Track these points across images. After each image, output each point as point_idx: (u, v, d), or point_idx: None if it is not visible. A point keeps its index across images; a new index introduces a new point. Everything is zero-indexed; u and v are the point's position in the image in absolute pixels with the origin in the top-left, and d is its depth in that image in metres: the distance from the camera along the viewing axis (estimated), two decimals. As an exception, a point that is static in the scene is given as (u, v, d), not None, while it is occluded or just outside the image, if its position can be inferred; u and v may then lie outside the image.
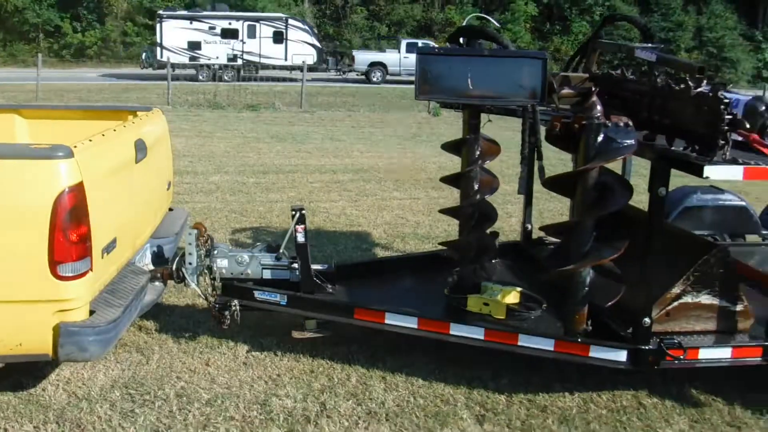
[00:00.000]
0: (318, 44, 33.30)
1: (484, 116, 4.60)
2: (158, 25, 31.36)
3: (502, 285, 4.63)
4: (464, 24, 5.98)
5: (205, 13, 32.85)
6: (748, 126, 3.52)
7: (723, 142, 3.54)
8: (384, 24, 42.67)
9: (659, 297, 4.01)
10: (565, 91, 4.53)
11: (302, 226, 4.48)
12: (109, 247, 3.87)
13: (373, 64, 34.25)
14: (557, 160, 6.50)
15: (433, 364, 4.57)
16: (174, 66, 23.17)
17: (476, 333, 4.15)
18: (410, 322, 4.26)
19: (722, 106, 3.49)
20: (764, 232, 6.13)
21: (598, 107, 3.74)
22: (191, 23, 31.69)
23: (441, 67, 4.08)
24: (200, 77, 30.26)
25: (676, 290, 4.02)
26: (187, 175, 10.29)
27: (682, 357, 3.86)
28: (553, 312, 4.39)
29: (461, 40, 4.48)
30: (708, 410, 4.22)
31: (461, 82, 4.01)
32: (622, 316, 4.06)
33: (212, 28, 31.82)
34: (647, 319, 3.86)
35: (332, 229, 7.83)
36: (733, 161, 3.57)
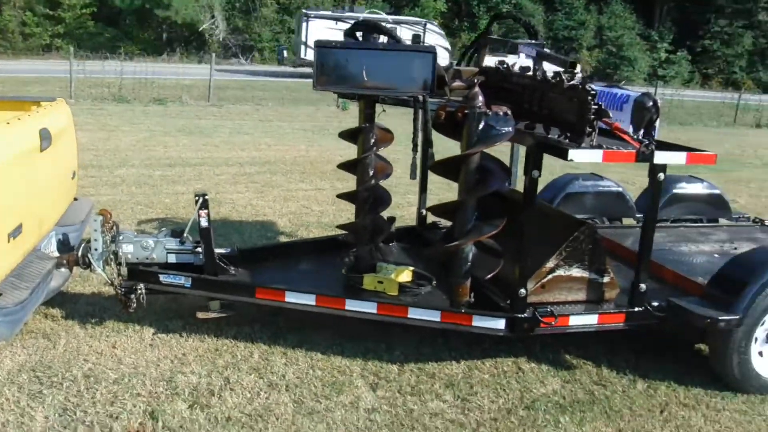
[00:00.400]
0: (449, 47, 33.63)
1: (378, 106, 4.92)
2: (304, 24, 31.15)
3: (396, 265, 4.97)
4: (361, 19, 6.27)
5: (349, 14, 31.84)
6: (611, 115, 3.94)
7: (590, 129, 3.96)
8: (294, 18, 42.53)
9: (535, 270, 4.42)
10: (457, 83, 4.90)
11: (205, 211, 4.68)
12: (15, 233, 4.00)
13: None
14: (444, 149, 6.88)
15: (332, 339, 4.86)
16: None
17: (370, 308, 4.47)
18: (309, 300, 4.54)
19: (589, 98, 3.91)
20: (638, 215, 6.69)
21: (480, 98, 4.10)
22: (336, 23, 30.18)
23: (338, 59, 4.36)
24: None
25: (550, 264, 4.44)
26: (92, 169, 10.22)
27: (553, 323, 4.27)
28: (442, 287, 4.75)
29: (358, 34, 4.77)
30: (579, 372, 4.68)
31: (357, 74, 4.31)
32: (503, 288, 4.45)
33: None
34: (523, 290, 4.26)
35: (238, 219, 8.01)
36: (598, 146, 4.00)
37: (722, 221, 7.01)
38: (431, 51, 4.34)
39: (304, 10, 33.03)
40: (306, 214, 8.36)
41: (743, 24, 47.35)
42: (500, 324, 4.33)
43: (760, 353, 4.60)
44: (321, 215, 8.31)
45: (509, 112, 4.12)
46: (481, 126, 4.07)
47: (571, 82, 4.07)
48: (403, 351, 4.78)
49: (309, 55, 27.42)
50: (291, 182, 10.11)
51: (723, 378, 4.59)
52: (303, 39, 30.90)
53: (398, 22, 32.40)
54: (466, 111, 4.12)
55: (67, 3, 37.83)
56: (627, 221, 6.74)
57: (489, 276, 4.29)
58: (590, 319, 4.45)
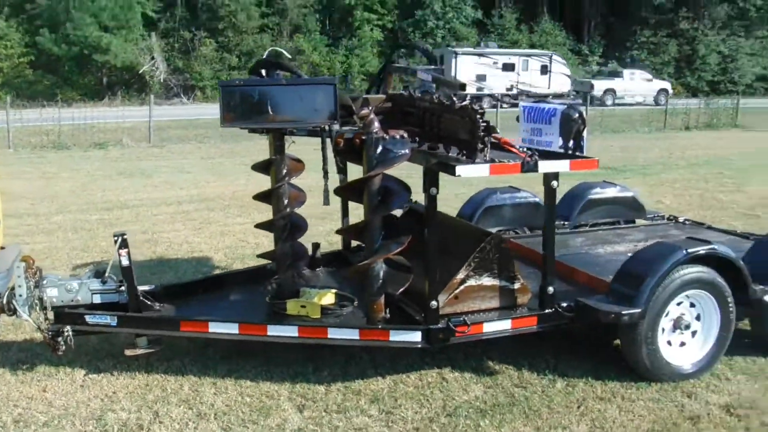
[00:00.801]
0: (569, 73, 39.43)
1: (289, 137, 5.10)
2: (453, 60, 35.48)
3: (318, 289, 5.13)
4: (264, 57, 6.49)
5: (488, 50, 38.15)
6: (498, 131, 4.18)
7: (482, 145, 4.19)
8: (234, 55, 42.77)
9: (447, 283, 4.62)
10: (364, 111, 5.11)
11: (125, 250, 4.79)
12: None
13: None
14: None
15: (261, 366, 4.99)
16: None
17: (291, 331, 4.62)
18: (232, 329, 4.67)
19: (478, 116, 4.14)
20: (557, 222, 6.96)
21: (376, 124, 4.32)
22: (479, 58, 36.90)
23: (242, 97, 4.54)
24: (484, 105, 32.13)
25: (460, 276, 4.64)
26: (28, 217, 10.22)
27: (466, 331, 4.47)
28: (363, 307, 4.91)
29: (262, 71, 4.96)
30: (500, 376, 4.88)
31: (262, 110, 4.49)
32: (418, 302, 4.64)
33: (495, 62, 37.22)
34: (434, 303, 4.46)
35: (174, 257, 8.10)
36: (491, 161, 4.23)
37: (639, 222, 7.33)
38: (332, 83, 4.54)
39: (451, 48, 37.68)
40: (242, 248, 8.47)
41: (667, 33, 49.36)
42: (417, 337, 4.51)
43: (669, 342, 4.86)
44: (257, 248, 8.40)
45: (405, 135, 4.34)
46: (379, 150, 4.27)
47: (463, 103, 4.30)
48: (330, 371, 4.93)
49: None
50: (228, 217, 10.21)
51: (636, 369, 4.82)
52: (453, 73, 34.88)
53: (528, 55, 39.25)
54: (363, 137, 4.32)
55: (4, 52, 37.48)
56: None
57: (399, 291, 4.47)
58: (504, 325, 4.65)
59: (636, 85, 39.75)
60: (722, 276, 4.84)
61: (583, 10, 50.72)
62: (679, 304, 4.81)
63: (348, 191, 4.58)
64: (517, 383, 4.80)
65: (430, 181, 4.27)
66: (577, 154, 4.37)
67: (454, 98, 4.42)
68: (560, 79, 38.65)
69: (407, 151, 4.30)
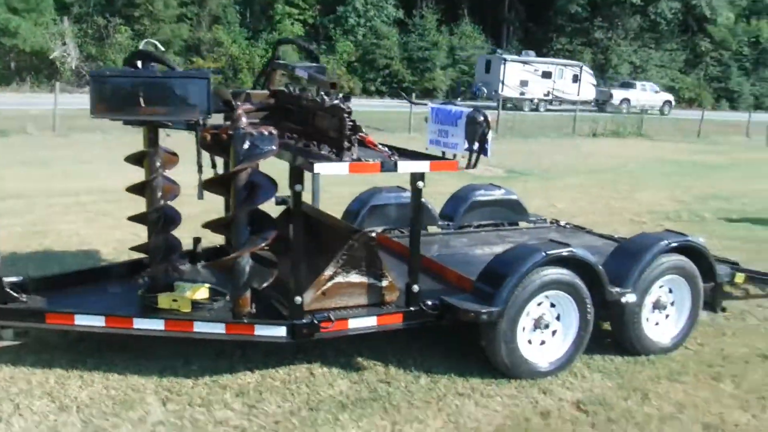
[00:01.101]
0: (595, 82, 43.33)
1: (163, 130, 5.09)
2: (501, 66, 39.43)
3: (192, 283, 5.15)
4: (140, 48, 6.42)
5: (533, 58, 41.42)
6: (364, 130, 4.30)
7: (348, 144, 4.30)
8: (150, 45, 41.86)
9: (315, 279, 4.71)
10: (246, 106, 5.16)
11: (-11, 240, 4.70)
12: None
13: None
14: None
15: (131, 360, 4.97)
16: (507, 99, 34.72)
17: (157, 325, 4.63)
18: (98, 321, 4.64)
19: (345, 115, 4.25)
20: (441, 222, 7.16)
21: (243, 119, 4.37)
22: (524, 66, 40.20)
23: (114, 87, 4.52)
24: (525, 108, 37.48)
25: (328, 272, 4.73)
26: None
27: (330, 327, 4.56)
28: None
29: (138, 63, 4.93)
30: (367, 372, 5.00)
31: (133, 102, 4.48)
32: (286, 297, 4.72)
33: (536, 70, 40.50)
34: (299, 298, 4.54)
35: (62, 250, 7.94)
36: (358, 159, 4.34)
37: (522, 224, 7.59)
38: (206, 76, 4.57)
39: (500, 55, 41.49)
40: (133, 241, 8.26)
41: (582, 41, 50.90)
42: (282, 331, 4.58)
43: (529, 341, 5.07)
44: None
45: (273, 132, 4.40)
46: (246, 145, 4.32)
47: (333, 102, 4.40)
48: (199, 365, 4.95)
49: (506, 92, 37.81)
50: (123, 210, 9.97)
51: (496, 367, 5.01)
52: (500, 78, 39.08)
53: (564, 65, 42.54)
54: (230, 132, 4.37)
55: None
56: (431, 229, 7.18)
57: (263, 286, 4.54)
58: (369, 321, 4.77)
59: (647, 96, 43.49)
60: (581, 278, 5.08)
61: (502, 14, 51.73)
62: (539, 304, 5.01)
63: (215, 185, 4.61)
64: (382, 379, 4.92)
65: (295, 178, 4.34)
66: (441, 157, 4.52)
67: (326, 97, 4.50)
68: (588, 87, 42.20)
69: (274, 147, 4.37)
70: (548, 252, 4.92)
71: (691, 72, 54.47)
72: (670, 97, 45.34)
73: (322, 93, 4.58)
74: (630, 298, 5.28)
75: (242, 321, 4.57)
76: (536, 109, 31.19)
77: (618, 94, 42.90)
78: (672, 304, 5.70)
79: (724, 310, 6.72)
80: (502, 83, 39.20)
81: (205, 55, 41.88)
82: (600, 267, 5.19)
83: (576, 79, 41.94)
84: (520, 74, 40.11)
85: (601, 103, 42.38)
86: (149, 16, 41.12)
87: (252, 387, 4.72)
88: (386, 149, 4.48)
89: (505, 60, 39.87)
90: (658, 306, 5.62)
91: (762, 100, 56.80)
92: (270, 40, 43.43)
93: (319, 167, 4.10)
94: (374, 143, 4.37)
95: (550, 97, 40.87)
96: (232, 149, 4.37)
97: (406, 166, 4.46)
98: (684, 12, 54.16)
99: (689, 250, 5.69)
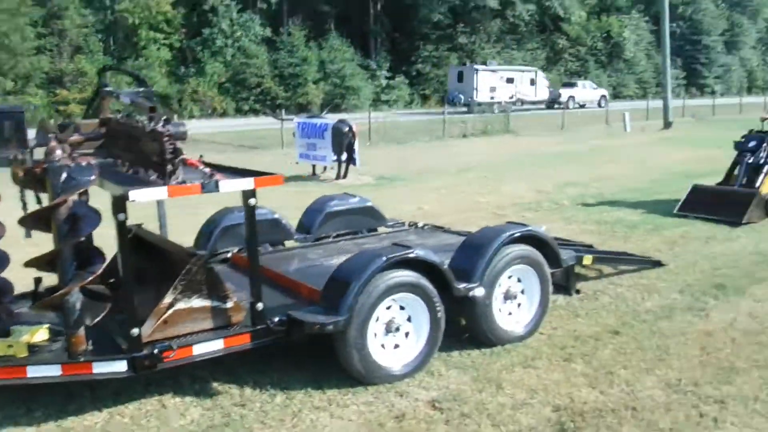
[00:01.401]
0: (549, 86, 48.55)
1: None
2: (474, 75, 43.71)
3: (30, 325, 4.89)
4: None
5: (499, 67, 46.34)
6: (184, 153, 4.21)
7: (171, 167, 4.20)
8: (9, 79, 39.90)
9: (155, 308, 4.57)
10: (75, 137, 4.97)
11: None
12: None
13: None
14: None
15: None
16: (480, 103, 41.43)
17: (-16, 374, 4.37)
18: None
19: (165, 139, 4.15)
20: (298, 236, 7.13)
21: (58, 152, 4.21)
22: (493, 74, 44.72)
23: None
24: (495, 110, 39.33)
25: (168, 300, 4.59)
26: None
27: (171, 356, 4.44)
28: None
29: None
30: (221, 397, 4.88)
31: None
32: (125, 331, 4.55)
33: (502, 77, 44.91)
34: (136, 330, 4.38)
35: None
36: (183, 182, 4.25)
37: (380, 229, 7.66)
38: (19, 111, 4.40)
39: (473, 65, 45.75)
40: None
41: (447, 47, 52.39)
42: (122, 366, 4.40)
43: (383, 345, 5.10)
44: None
45: (92, 162, 4.26)
46: (63, 177, 4.16)
47: (154, 127, 4.29)
48: (44, 411, 4.70)
49: (479, 97, 42.83)
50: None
51: (351, 375, 5.01)
52: (474, 86, 43.33)
53: (522, 71, 46.93)
54: (45, 165, 4.20)
55: None
56: (289, 244, 7.14)
57: (94, 322, 4.37)
58: (216, 345, 4.66)
59: (587, 92, 49.01)
60: (427, 278, 5.16)
61: (368, 27, 52.42)
62: (388, 308, 5.05)
63: (33, 221, 4.41)
64: (237, 402, 4.82)
65: (118, 208, 4.20)
66: (266, 172, 4.49)
67: (146, 122, 4.39)
68: (543, 89, 47.44)
69: (93, 177, 4.23)
70: (389, 256, 4.96)
71: (553, 68, 56.90)
72: (605, 92, 50.58)
73: (145, 118, 4.46)
74: (478, 291, 5.41)
75: (78, 360, 4.38)
76: (504, 111, 33.90)
77: (565, 93, 47.62)
78: (522, 292, 5.88)
79: (578, 292, 7.04)
80: (476, 90, 43.49)
81: (69, 87, 40.31)
82: (444, 265, 5.28)
83: (533, 82, 46.80)
84: (490, 81, 44.32)
85: (550, 102, 46.92)
86: (4, 49, 39.22)
87: (99, 427, 4.52)
88: (208, 169, 4.40)
89: (477, 70, 44.30)
90: (508, 296, 5.79)
91: (619, 90, 60.48)
92: (136, 67, 42.28)
93: (134, 194, 3.98)
94: (195, 164, 4.30)
95: (514, 99, 44.77)
96: (48, 183, 4.19)
97: (228, 185, 4.40)
98: (540, 13, 56.73)
99: (532, 239, 5.89)
